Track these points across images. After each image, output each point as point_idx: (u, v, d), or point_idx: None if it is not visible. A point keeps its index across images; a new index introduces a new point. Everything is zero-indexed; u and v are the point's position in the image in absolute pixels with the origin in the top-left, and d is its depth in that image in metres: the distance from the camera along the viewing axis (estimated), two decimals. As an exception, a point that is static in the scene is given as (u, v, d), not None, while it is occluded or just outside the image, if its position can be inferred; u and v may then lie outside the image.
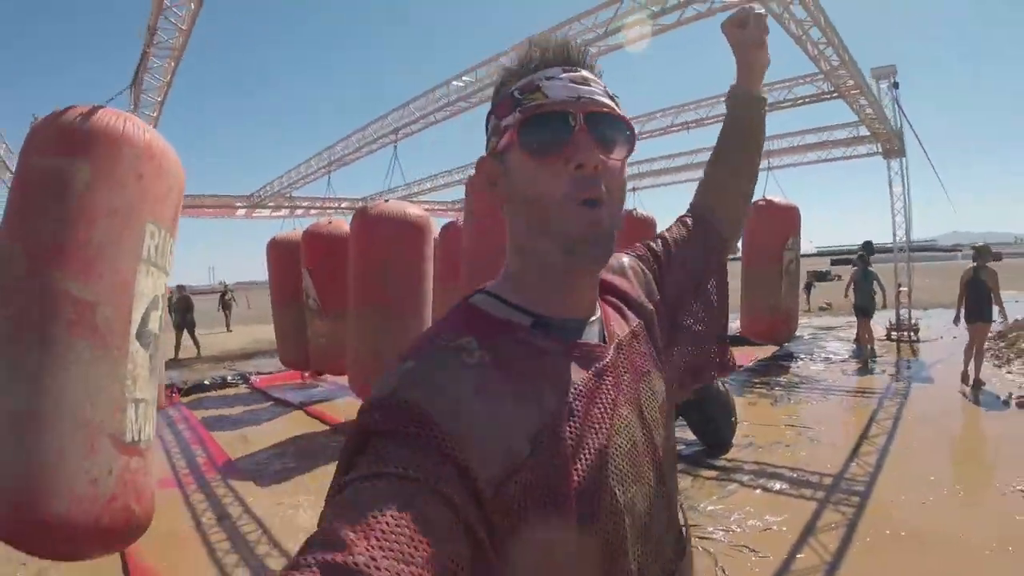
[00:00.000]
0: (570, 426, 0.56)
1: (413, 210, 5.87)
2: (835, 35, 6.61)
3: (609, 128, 0.60)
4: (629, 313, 0.75)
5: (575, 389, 0.59)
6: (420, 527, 0.42)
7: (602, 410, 0.60)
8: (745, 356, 8.93)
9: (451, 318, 0.64)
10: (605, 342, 0.67)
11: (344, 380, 6.96)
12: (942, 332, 10.05)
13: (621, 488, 0.58)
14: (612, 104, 0.62)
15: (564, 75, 0.60)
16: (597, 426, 0.59)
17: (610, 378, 0.63)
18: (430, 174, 13.82)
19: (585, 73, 0.62)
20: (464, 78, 7.94)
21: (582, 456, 0.56)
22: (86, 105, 2.89)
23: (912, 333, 10.23)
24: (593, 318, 0.67)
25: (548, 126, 0.59)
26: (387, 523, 0.42)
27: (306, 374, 9.02)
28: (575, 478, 0.55)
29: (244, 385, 9.26)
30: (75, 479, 2.51)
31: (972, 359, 6.78)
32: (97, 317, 2.67)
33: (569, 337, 0.63)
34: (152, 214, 2.93)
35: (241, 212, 12.78)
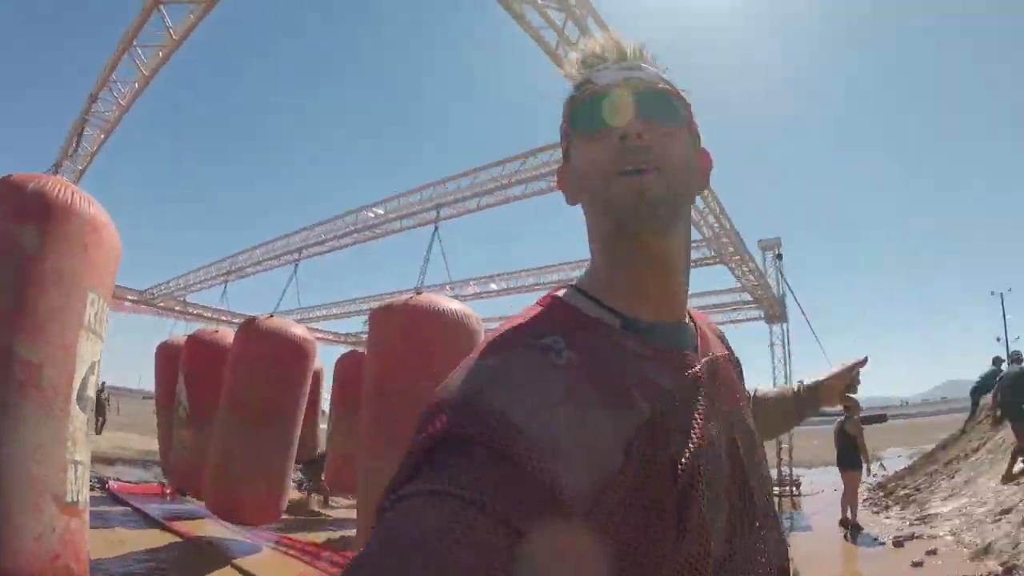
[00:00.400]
0: (662, 436, 0.52)
1: (298, 330, 5.96)
2: (716, 203, 7.42)
3: (656, 101, 0.61)
4: (721, 345, 0.73)
5: (665, 397, 0.55)
6: (470, 566, 0.40)
7: (691, 421, 0.56)
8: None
9: (536, 312, 0.60)
10: (696, 352, 0.64)
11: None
12: (824, 487, 10.51)
13: (706, 507, 0.53)
14: (664, 82, 0.63)
15: (615, 66, 0.63)
16: (686, 437, 0.54)
17: (702, 390, 0.59)
18: (328, 301, 13.60)
19: (640, 63, 0.64)
20: (375, 210, 8.13)
21: (674, 468, 0.52)
22: (36, 173, 3.04)
23: (794, 488, 10.62)
24: (683, 323, 0.65)
25: (595, 108, 0.60)
26: (434, 564, 0.39)
27: (167, 490, 8.36)
28: (670, 491, 0.51)
29: (100, 489, 8.52)
30: (21, 536, 2.52)
31: (849, 505, 7.09)
32: (43, 379, 2.72)
33: (658, 341, 0.59)
34: (93, 283, 3.03)
35: (128, 305, 11.86)
